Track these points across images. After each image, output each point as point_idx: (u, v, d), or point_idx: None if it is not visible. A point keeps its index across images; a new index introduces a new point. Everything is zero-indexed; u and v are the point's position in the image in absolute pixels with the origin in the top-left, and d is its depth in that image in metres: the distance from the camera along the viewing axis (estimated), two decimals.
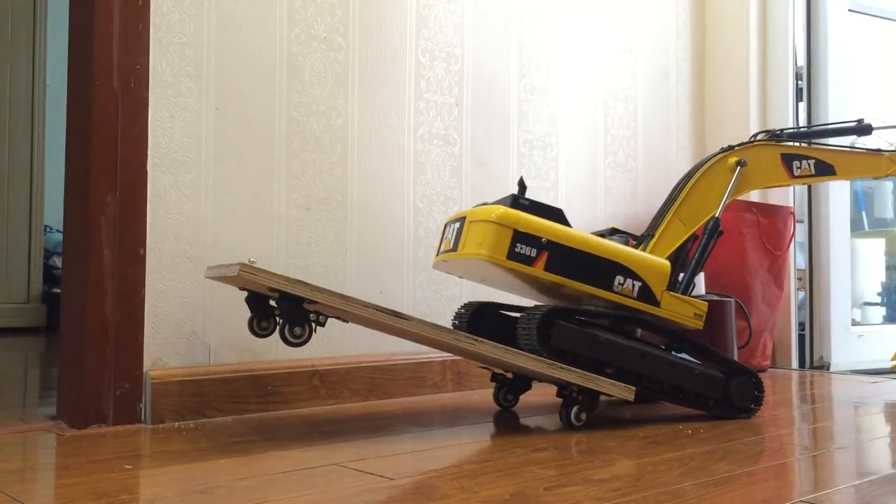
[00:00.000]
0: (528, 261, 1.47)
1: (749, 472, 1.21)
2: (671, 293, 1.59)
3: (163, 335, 1.57)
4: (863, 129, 1.91)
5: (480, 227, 1.49)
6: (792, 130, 1.94)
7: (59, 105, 1.81)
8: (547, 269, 1.49)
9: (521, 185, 1.57)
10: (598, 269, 1.53)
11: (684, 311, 1.59)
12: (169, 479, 1.15)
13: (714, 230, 1.73)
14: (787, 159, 1.82)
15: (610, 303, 1.57)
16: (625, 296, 1.55)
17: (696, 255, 1.71)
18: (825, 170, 1.85)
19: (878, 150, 1.91)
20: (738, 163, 1.76)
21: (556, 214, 1.55)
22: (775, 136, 1.85)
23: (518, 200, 1.52)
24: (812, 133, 1.98)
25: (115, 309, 1.51)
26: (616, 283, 1.54)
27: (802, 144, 1.89)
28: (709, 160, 1.78)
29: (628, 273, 1.55)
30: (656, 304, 1.57)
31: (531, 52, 2.19)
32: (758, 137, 1.86)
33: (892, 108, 3.21)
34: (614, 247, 1.56)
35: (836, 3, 2.64)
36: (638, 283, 1.56)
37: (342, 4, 1.83)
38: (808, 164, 1.83)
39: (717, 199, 1.75)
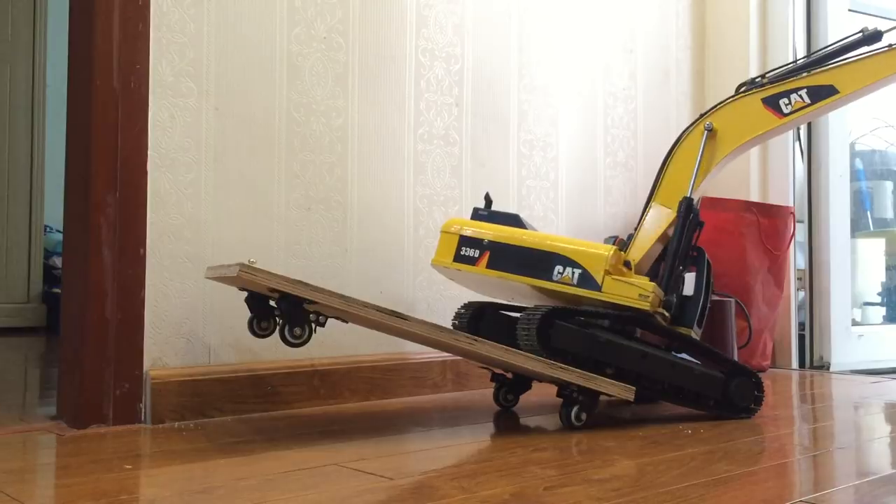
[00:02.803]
0: (472, 261, 1.61)
1: (749, 472, 1.21)
2: (616, 277, 1.56)
3: (163, 335, 1.57)
4: (871, 36, 1.62)
5: (440, 238, 1.66)
6: (780, 69, 1.67)
7: (59, 105, 1.81)
8: (489, 266, 1.60)
9: (487, 200, 1.69)
10: (536, 260, 1.58)
11: (628, 292, 1.56)
12: (169, 479, 1.15)
13: (687, 212, 1.63)
14: (772, 101, 1.62)
15: (567, 296, 1.59)
16: (565, 284, 1.57)
17: (673, 244, 1.63)
18: (823, 93, 1.59)
19: (890, 46, 1.59)
20: (706, 127, 1.65)
21: (512, 219, 1.65)
22: (754, 84, 1.64)
23: (478, 212, 1.67)
24: (806, 66, 1.65)
25: (115, 309, 1.51)
26: (556, 272, 1.57)
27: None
28: (684, 132, 1.69)
29: (567, 262, 1.57)
30: (598, 288, 1.56)
31: (531, 52, 2.19)
32: (740, 91, 1.67)
33: (892, 107, 3.21)
34: (552, 238, 1.62)
35: (836, 3, 2.64)
36: (577, 271, 1.56)
37: (342, 4, 1.83)
38: (800, 96, 1.60)
39: (700, 175, 1.65)
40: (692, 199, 1.64)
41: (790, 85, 1.62)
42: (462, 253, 1.61)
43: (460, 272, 1.63)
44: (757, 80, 1.67)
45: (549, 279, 1.57)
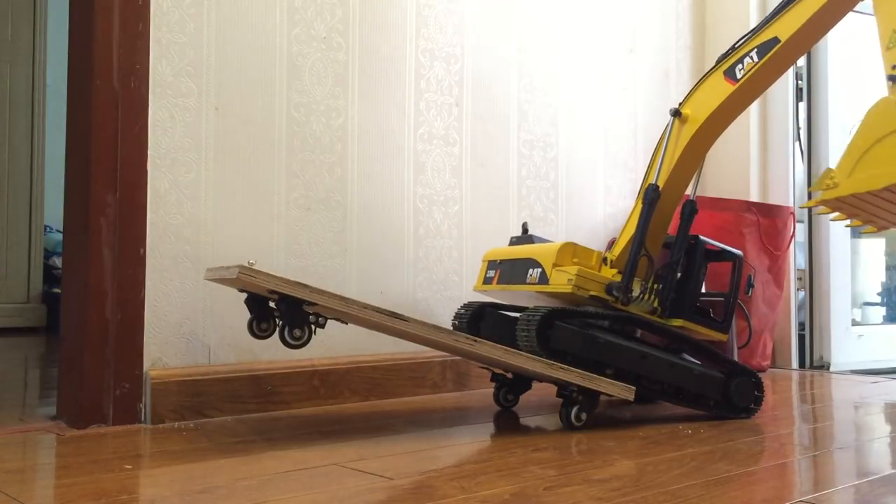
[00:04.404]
0: (491, 280, 1.79)
1: (749, 472, 1.21)
2: (560, 268, 1.60)
3: (163, 335, 1.57)
4: None
5: (481, 266, 1.88)
6: (742, 37, 1.60)
7: (59, 105, 1.81)
8: (498, 282, 1.76)
9: (523, 228, 1.86)
10: (521, 268, 1.71)
11: (562, 280, 1.59)
12: (169, 479, 1.15)
13: (653, 197, 1.62)
14: (730, 71, 1.57)
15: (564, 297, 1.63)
16: (532, 283, 1.66)
17: (638, 231, 1.61)
18: (769, 46, 1.52)
19: None
20: (671, 112, 1.64)
21: (526, 239, 1.80)
22: (722, 59, 1.60)
23: (511, 240, 1.84)
24: (761, 25, 1.57)
25: (115, 309, 1.51)
26: (528, 275, 1.67)
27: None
28: (666, 126, 1.67)
29: (534, 264, 1.67)
30: (547, 282, 1.62)
31: (531, 52, 2.19)
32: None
33: None
34: (529, 246, 1.73)
35: None
36: (539, 269, 1.65)
37: (342, 4, 1.83)
38: (751, 57, 1.54)
39: (667, 161, 1.64)
40: (657, 186, 1.63)
41: (743, 50, 1.56)
42: (487, 275, 1.81)
43: (487, 292, 1.82)
44: (726, 51, 1.61)
45: (524, 282, 1.68)
